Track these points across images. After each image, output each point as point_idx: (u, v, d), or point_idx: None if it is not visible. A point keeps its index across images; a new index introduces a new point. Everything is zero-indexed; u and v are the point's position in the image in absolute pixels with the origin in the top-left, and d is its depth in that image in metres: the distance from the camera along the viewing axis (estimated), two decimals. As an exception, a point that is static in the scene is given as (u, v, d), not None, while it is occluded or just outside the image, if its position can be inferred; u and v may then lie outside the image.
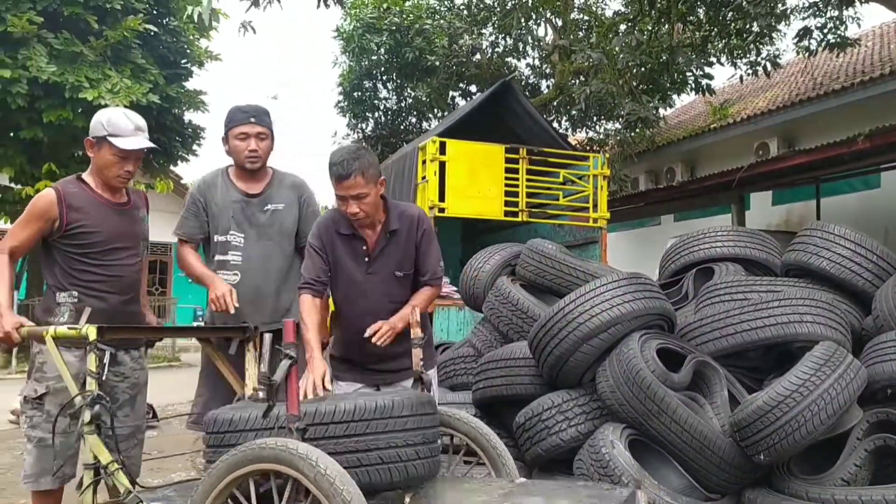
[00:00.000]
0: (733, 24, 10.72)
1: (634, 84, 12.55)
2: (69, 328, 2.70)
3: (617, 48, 11.42)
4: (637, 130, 12.77)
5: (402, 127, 17.10)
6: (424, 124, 16.79)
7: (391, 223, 3.22)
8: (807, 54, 10.94)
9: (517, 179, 8.18)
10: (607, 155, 10.39)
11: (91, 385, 2.58)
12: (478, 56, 15.43)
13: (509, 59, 16.35)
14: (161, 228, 7.95)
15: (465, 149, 7.93)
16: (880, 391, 3.73)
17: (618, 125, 13.71)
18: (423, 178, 7.75)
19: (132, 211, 3.31)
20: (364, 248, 3.23)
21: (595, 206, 8.33)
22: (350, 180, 3.02)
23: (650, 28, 11.25)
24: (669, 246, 5.70)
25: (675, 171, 14.12)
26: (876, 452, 3.49)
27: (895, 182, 10.73)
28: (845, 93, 10.74)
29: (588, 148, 14.16)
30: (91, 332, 2.59)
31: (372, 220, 3.19)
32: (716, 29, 11.21)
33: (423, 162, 7.79)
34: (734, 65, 12.32)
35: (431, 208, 7.54)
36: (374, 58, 15.48)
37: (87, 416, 2.56)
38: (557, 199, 8.65)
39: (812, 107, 11.31)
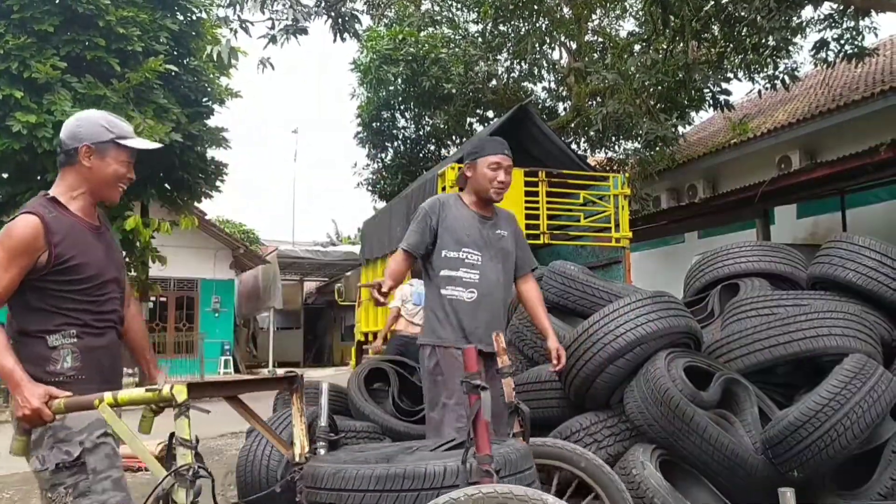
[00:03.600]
0: (748, 40, 10.69)
1: (652, 103, 12.55)
2: (147, 390, 2.16)
3: (632, 68, 11.45)
4: (657, 149, 12.75)
5: (421, 155, 17.20)
6: (443, 151, 16.88)
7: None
8: (825, 66, 10.89)
9: (537, 202, 8.19)
10: (627, 174, 10.35)
11: (185, 457, 2.11)
12: (494, 82, 15.52)
13: (525, 83, 16.43)
14: (187, 265, 8.00)
15: (484, 174, 7.95)
16: (914, 403, 3.67)
17: (637, 144, 13.71)
18: (444, 204, 7.76)
19: (107, 234, 2.79)
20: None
21: (617, 225, 8.29)
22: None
23: (665, 47, 11.25)
24: (693, 263, 5.67)
25: (696, 188, 14.06)
26: (913, 465, 3.43)
27: (921, 191, 10.62)
28: (865, 103, 10.67)
29: (608, 168, 14.16)
30: (180, 392, 2.07)
31: None
32: (731, 45, 11.19)
33: (444, 188, 7.82)
34: (752, 79, 12.28)
35: (453, 234, 7.55)
36: (391, 88, 15.64)
37: (187, 497, 2.06)
38: (578, 221, 8.62)
39: (833, 118, 11.24)
